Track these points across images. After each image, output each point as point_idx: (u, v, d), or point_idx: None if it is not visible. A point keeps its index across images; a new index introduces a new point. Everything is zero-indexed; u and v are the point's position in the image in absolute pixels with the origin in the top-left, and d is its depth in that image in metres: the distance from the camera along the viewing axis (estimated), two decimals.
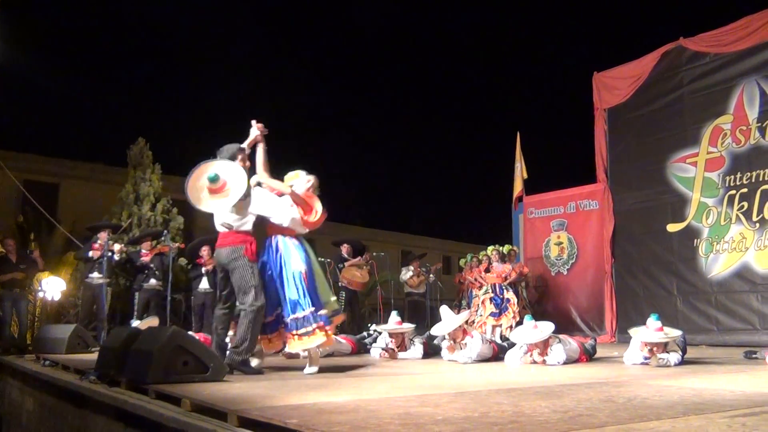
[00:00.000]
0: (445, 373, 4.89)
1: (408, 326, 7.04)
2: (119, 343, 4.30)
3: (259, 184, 4.98)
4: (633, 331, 5.80)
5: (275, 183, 5.00)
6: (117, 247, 8.90)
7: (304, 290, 4.69)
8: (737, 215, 9.35)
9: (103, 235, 8.85)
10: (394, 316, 7.02)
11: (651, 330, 5.47)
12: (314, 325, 4.63)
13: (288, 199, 4.91)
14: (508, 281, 9.42)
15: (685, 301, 9.80)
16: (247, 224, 4.81)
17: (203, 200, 4.61)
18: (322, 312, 4.73)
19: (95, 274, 8.72)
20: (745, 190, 9.33)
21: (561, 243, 11.90)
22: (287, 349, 5.01)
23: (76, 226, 11.77)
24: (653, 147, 10.50)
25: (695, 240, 9.82)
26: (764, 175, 9.14)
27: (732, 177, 9.50)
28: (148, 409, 3.14)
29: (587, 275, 11.37)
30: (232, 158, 4.78)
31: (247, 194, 4.65)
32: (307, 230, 5.02)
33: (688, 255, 9.88)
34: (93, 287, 8.72)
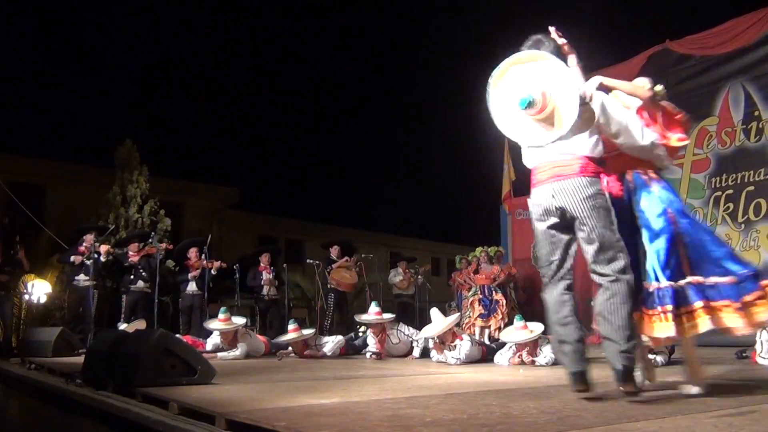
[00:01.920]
0: (433, 375, 4.89)
1: (388, 316, 7.26)
2: (106, 346, 4.26)
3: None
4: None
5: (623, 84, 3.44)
6: (103, 248, 8.84)
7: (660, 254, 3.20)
8: (723, 216, 9.43)
9: (89, 238, 8.79)
10: (373, 307, 7.25)
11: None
12: (660, 308, 3.13)
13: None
14: (496, 282, 9.44)
15: None
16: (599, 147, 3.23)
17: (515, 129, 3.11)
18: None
19: (82, 277, 8.65)
20: (730, 191, 9.41)
21: None
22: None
23: (63, 228, 11.68)
24: None
25: None
26: (749, 176, 9.22)
27: (718, 178, 9.58)
28: (135, 413, 3.11)
29: (575, 276, 11.40)
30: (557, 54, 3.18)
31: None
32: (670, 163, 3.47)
33: None
34: (79, 290, 8.65)
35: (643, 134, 3.30)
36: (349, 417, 2.59)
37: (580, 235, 3.20)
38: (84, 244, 8.80)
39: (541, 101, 2.96)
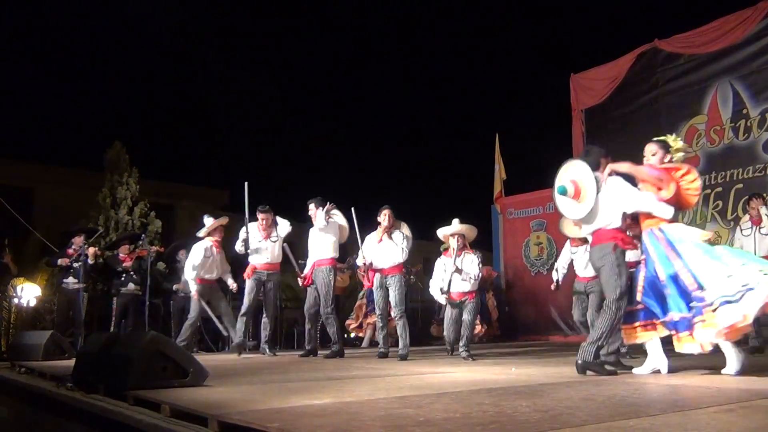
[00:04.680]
0: (426, 375, 4.89)
1: None
2: (97, 349, 4.24)
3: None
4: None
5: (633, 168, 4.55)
6: (91, 250, 8.78)
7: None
8: (712, 214, 9.49)
9: (78, 240, 8.74)
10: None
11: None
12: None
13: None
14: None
15: None
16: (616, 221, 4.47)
17: (565, 211, 4.68)
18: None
19: (71, 280, 8.59)
20: (719, 189, 9.48)
21: (540, 243, 11.99)
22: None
23: (52, 231, 11.62)
24: (630, 147, 10.52)
25: None
26: (738, 174, 9.29)
27: (707, 176, 9.64)
28: (127, 416, 3.10)
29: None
30: (595, 165, 4.56)
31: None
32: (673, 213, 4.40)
33: None
34: (69, 292, 8.60)
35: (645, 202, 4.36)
36: (341, 417, 2.59)
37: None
38: (73, 246, 8.75)
39: (573, 188, 4.48)
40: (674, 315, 4.12)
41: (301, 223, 7.99)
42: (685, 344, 4.05)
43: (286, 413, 2.73)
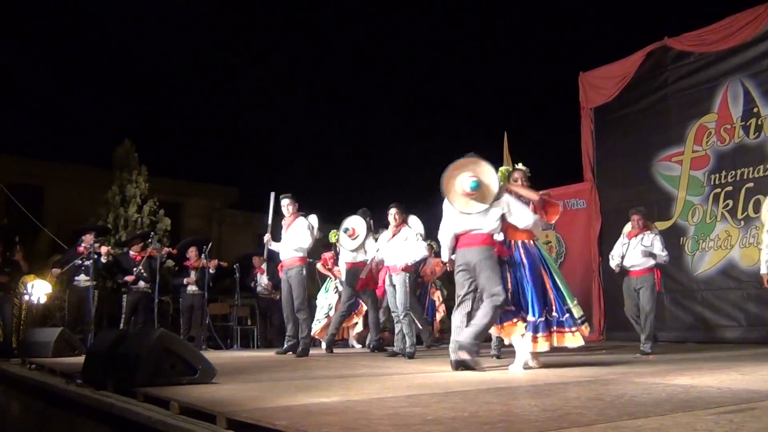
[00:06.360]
0: (434, 374, 4.90)
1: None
2: (106, 346, 4.26)
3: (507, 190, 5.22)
4: None
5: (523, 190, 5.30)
6: (104, 249, 8.85)
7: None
8: (722, 213, 9.43)
9: (88, 238, 8.79)
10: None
11: None
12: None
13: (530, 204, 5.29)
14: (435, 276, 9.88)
15: (672, 299, 9.87)
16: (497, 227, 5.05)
17: (458, 202, 4.95)
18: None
19: (82, 277, 8.65)
20: (729, 188, 9.42)
21: (549, 242, 11.95)
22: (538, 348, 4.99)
23: (62, 229, 11.69)
24: (639, 146, 10.56)
25: (681, 238, 9.89)
26: (748, 173, 9.22)
27: (717, 175, 9.58)
28: (136, 412, 3.11)
29: (575, 274, 11.40)
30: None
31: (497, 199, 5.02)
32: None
33: (674, 253, 9.92)
34: (79, 290, 8.66)
35: (529, 218, 5.10)
36: (349, 415, 2.59)
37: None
38: (82, 244, 8.80)
39: (481, 187, 4.86)
40: (530, 318, 4.88)
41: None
42: (544, 343, 4.85)
43: (294, 411, 2.74)
